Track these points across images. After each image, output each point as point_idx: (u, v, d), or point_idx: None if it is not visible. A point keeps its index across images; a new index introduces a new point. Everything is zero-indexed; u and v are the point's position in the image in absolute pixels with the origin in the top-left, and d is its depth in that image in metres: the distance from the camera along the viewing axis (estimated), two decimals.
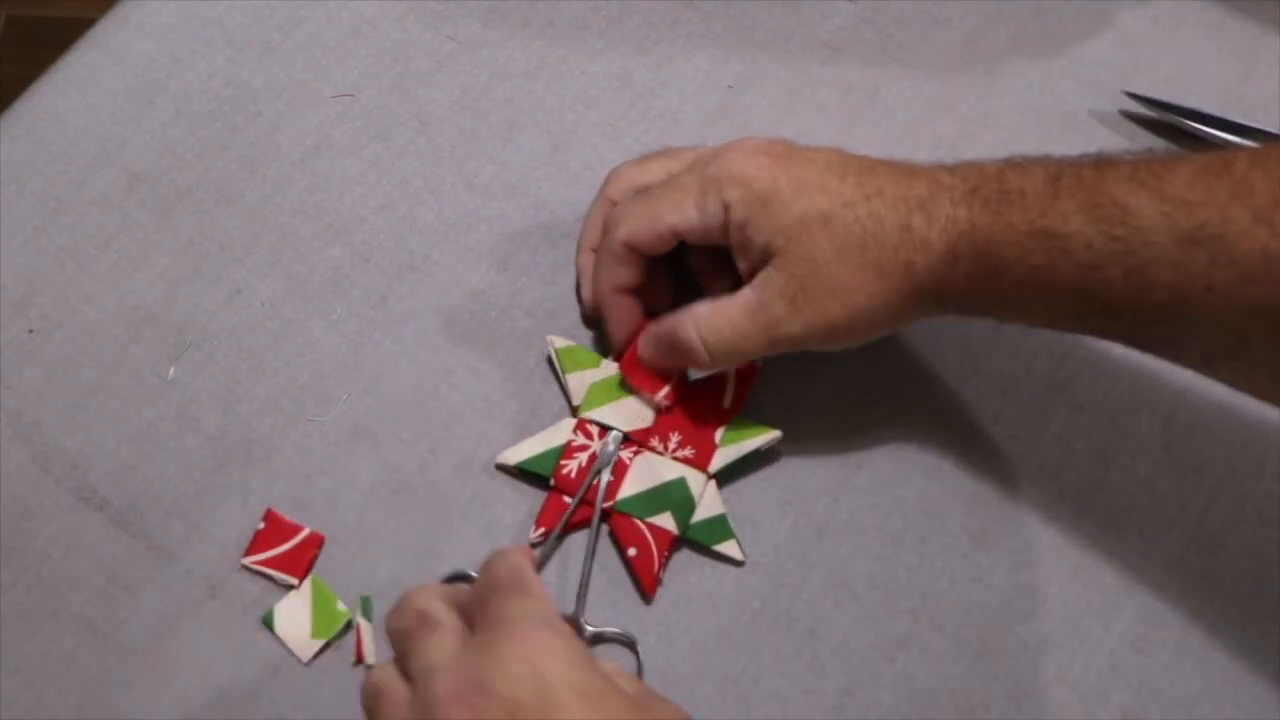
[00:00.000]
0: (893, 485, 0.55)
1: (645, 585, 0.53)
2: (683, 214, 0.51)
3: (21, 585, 0.53)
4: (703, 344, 0.52)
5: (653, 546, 0.53)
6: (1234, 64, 0.63)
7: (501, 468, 0.55)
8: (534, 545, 0.53)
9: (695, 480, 0.54)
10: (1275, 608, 0.53)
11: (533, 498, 0.54)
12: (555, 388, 0.56)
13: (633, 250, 0.53)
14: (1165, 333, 0.45)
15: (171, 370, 0.57)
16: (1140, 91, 0.62)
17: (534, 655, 0.40)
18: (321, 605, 0.52)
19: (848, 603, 0.53)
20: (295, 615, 0.52)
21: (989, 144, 0.61)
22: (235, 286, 0.58)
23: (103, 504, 0.54)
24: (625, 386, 0.55)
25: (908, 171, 0.50)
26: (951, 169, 0.49)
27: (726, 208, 0.50)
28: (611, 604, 0.53)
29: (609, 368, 0.55)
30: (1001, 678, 0.52)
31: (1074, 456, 0.55)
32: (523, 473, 0.54)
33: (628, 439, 0.54)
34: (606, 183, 0.57)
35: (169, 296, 0.58)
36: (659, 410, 0.54)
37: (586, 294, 0.57)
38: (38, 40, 1.55)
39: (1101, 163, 0.47)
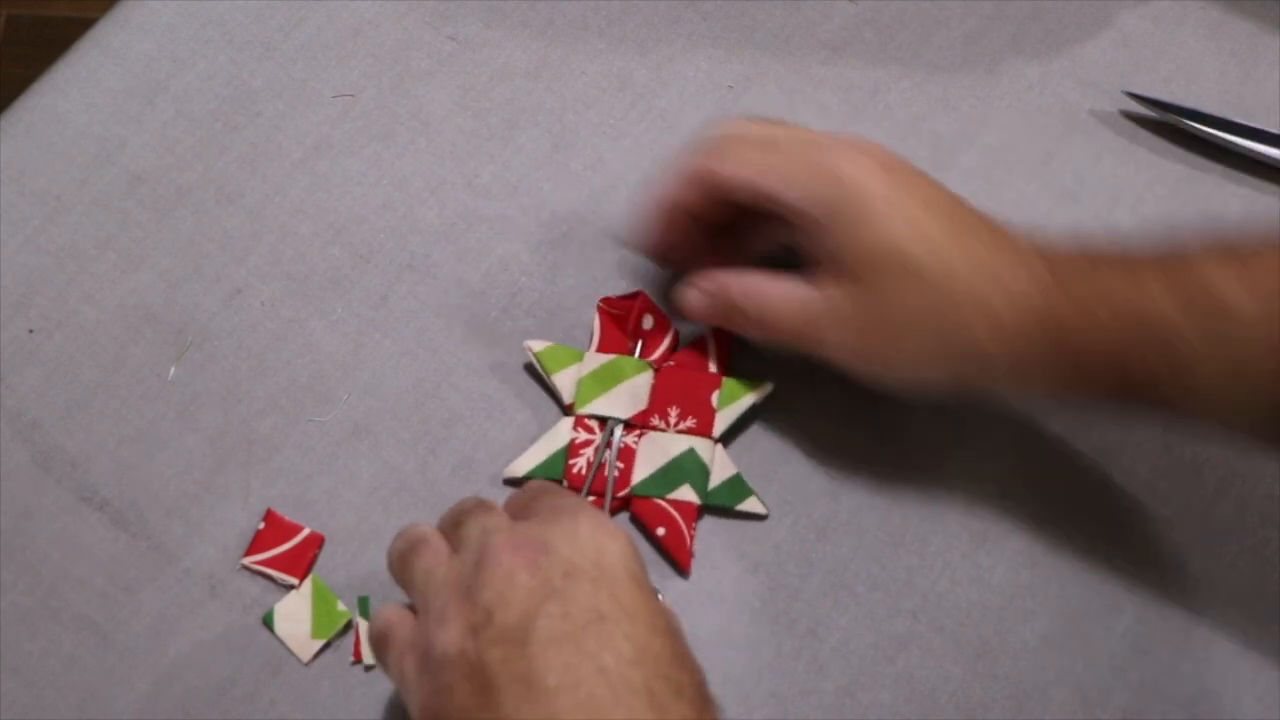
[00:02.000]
0: (893, 485, 0.55)
1: (680, 561, 0.53)
2: (790, 188, 0.49)
3: (21, 585, 0.53)
4: (751, 318, 0.51)
5: (680, 521, 0.53)
6: (1234, 64, 0.63)
7: (510, 481, 0.54)
8: None
9: (704, 448, 0.54)
10: (1275, 608, 0.53)
11: None
12: None
13: (716, 189, 0.51)
14: None
15: (171, 370, 0.57)
16: (1140, 91, 0.62)
17: (597, 533, 0.41)
18: (321, 605, 0.52)
19: (848, 603, 0.53)
20: (295, 615, 0.52)
21: (989, 144, 0.61)
22: (235, 286, 0.58)
23: (103, 504, 0.54)
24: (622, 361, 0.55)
25: (1004, 239, 0.48)
26: (1041, 249, 0.48)
27: (824, 207, 0.48)
28: None
29: (593, 360, 0.55)
30: (1001, 678, 0.52)
31: (1074, 456, 0.55)
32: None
33: (629, 425, 0.54)
34: (711, 134, 0.53)
35: (169, 296, 0.58)
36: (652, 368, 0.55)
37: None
38: (38, 40, 1.55)
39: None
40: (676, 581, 0.53)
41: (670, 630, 0.40)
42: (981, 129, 0.62)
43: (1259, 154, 0.60)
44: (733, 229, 0.54)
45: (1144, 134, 0.62)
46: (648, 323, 0.57)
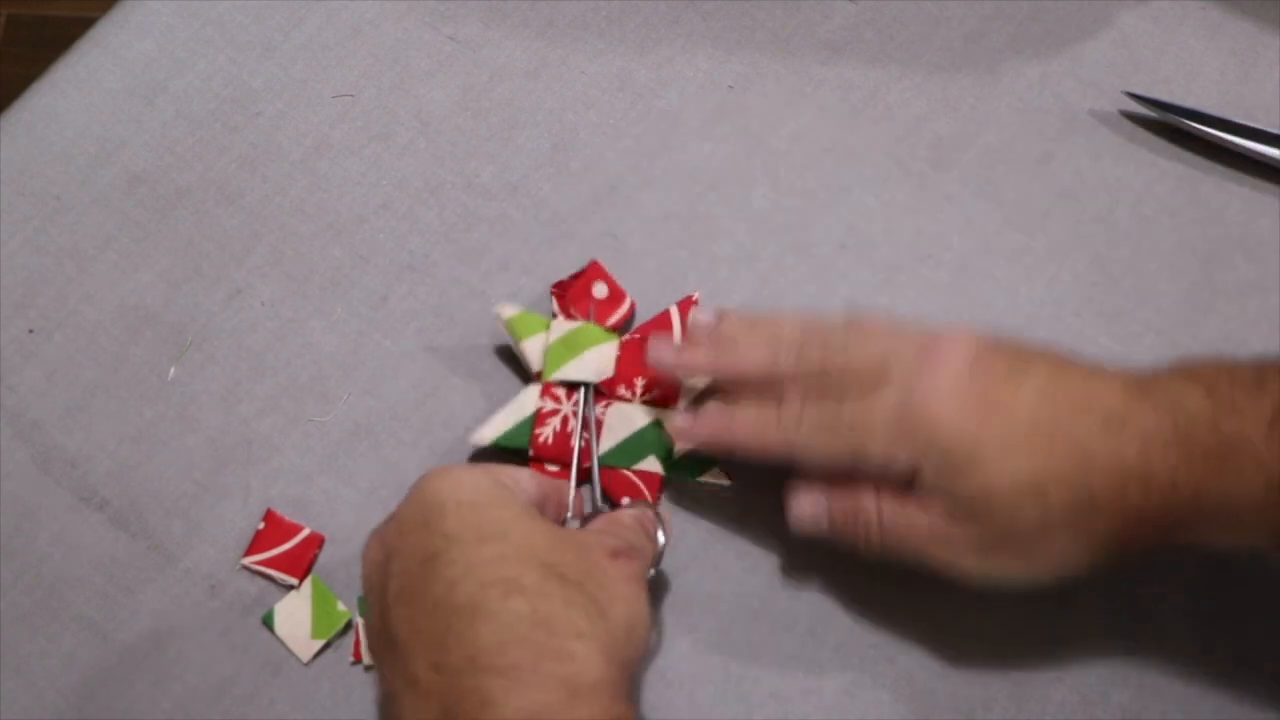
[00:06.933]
0: None
1: None
2: (875, 443, 0.46)
3: (21, 585, 0.53)
4: (877, 538, 0.48)
5: (645, 492, 0.53)
6: (1234, 64, 0.63)
7: (478, 448, 0.54)
8: None
9: (669, 419, 0.54)
10: (1275, 607, 0.53)
11: None
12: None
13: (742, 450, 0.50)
14: None
15: (171, 370, 0.57)
16: (1140, 91, 0.62)
17: (432, 482, 0.46)
18: (321, 605, 0.52)
19: (848, 603, 0.53)
20: (295, 615, 0.52)
21: (989, 144, 0.61)
22: (235, 286, 0.58)
23: (103, 504, 0.54)
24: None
25: (1113, 420, 0.45)
26: (1156, 402, 0.45)
27: (916, 470, 0.46)
28: None
29: (561, 326, 0.55)
30: (1001, 678, 0.52)
31: None
32: (501, 451, 0.54)
33: (598, 392, 0.54)
34: (718, 324, 0.51)
35: (169, 296, 0.58)
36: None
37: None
38: (38, 40, 1.55)
39: None
40: (677, 581, 0.53)
41: (500, 535, 0.44)
42: (981, 129, 0.62)
43: (1259, 154, 0.60)
44: None
45: (1144, 134, 0.62)
46: (600, 290, 0.57)
